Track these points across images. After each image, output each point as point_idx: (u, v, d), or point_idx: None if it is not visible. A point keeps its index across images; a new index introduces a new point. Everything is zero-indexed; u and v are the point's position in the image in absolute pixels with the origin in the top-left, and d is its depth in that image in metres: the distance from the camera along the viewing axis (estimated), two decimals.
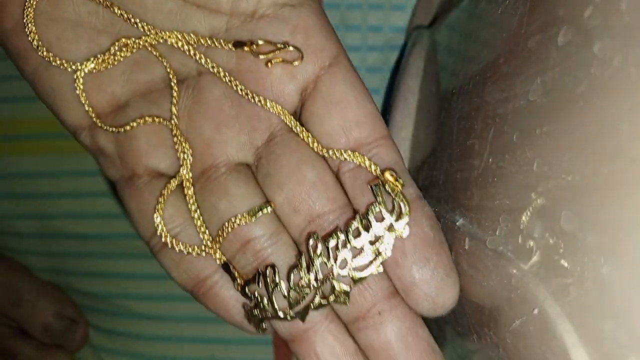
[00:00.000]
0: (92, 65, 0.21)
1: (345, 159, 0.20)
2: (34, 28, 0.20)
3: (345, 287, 0.19)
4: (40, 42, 0.20)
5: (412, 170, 0.26)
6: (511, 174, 0.16)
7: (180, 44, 0.20)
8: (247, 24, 0.20)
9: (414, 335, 0.19)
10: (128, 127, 0.21)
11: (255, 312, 0.20)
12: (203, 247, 0.21)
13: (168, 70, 0.21)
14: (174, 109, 0.21)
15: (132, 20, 0.20)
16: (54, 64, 0.21)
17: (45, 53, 0.20)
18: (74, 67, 0.21)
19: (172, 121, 0.21)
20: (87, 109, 0.21)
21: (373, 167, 0.19)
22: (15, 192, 0.36)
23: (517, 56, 0.17)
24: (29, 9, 0.20)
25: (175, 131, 0.21)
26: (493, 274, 0.17)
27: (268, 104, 0.20)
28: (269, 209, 0.20)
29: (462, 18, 0.23)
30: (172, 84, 0.21)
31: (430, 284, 0.19)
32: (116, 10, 0.20)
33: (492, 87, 0.18)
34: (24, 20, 0.20)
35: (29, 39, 0.20)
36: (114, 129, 0.21)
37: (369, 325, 0.19)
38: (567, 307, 0.14)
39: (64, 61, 0.21)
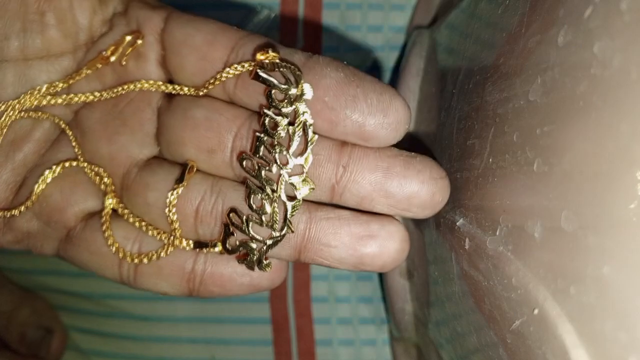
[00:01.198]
0: None
1: (220, 80, 0.20)
2: None
3: (301, 178, 0.19)
4: None
5: None
6: (511, 174, 0.16)
7: (44, 100, 0.21)
8: (91, 51, 0.21)
9: (385, 160, 0.19)
10: (35, 194, 0.21)
11: (250, 257, 0.20)
12: (169, 242, 0.21)
13: (56, 121, 0.21)
14: (75, 149, 0.22)
15: None
16: None
17: None
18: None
19: (79, 159, 0.22)
20: None
21: (245, 65, 0.19)
22: None
23: (517, 56, 0.17)
24: None
25: (86, 166, 0.22)
26: (493, 274, 0.17)
27: (138, 85, 0.21)
28: (189, 167, 0.20)
29: (462, 18, 0.23)
30: (66, 129, 0.22)
31: (372, 112, 0.18)
32: None
33: (492, 87, 0.18)
34: None
35: None
36: (26, 206, 0.21)
37: (346, 184, 0.19)
38: (567, 308, 0.14)
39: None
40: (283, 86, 0.18)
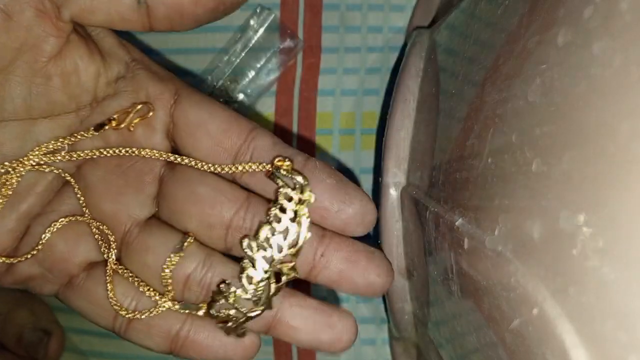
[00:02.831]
0: None
1: (233, 170, 0.23)
2: None
3: (290, 265, 0.22)
4: None
5: (411, 171, 0.26)
6: (510, 174, 0.16)
7: (45, 157, 0.22)
8: (96, 110, 0.22)
9: (354, 254, 0.23)
10: (41, 244, 0.23)
11: (230, 324, 0.23)
12: (160, 304, 0.23)
13: (61, 174, 0.23)
14: (80, 202, 0.23)
15: None
16: None
17: None
18: None
19: (85, 215, 0.23)
20: None
21: (259, 166, 0.22)
22: None
23: (516, 56, 0.17)
24: None
25: (89, 221, 0.23)
26: (492, 274, 0.17)
27: (145, 151, 0.23)
28: (189, 239, 0.23)
29: (462, 18, 0.23)
30: (71, 181, 0.23)
31: (355, 214, 0.22)
32: None
33: (492, 88, 0.18)
34: None
35: None
36: (31, 254, 0.23)
37: (321, 269, 0.23)
38: (567, 307, 0.14)
39: None
40: (292, 191, 0.22)
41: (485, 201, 0.17)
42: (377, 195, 0.28)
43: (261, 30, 0.33)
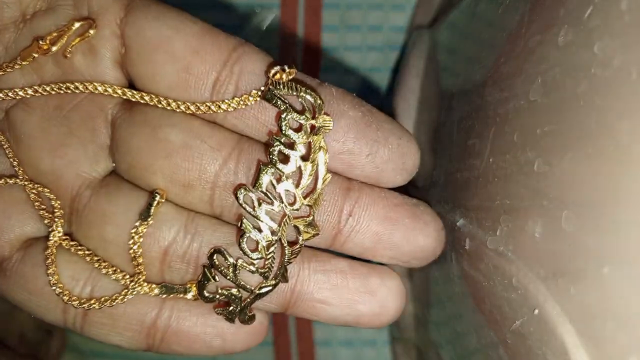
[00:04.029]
0: None
1: (213, 110, 0.16)
2: None
3: (307, 220, 0.17)
4: None
5: None
6: (512, 174, 0.16)
7: None
8: (22, 32, 0.17)
9: (393, 210, 0.18)
10: None
11: (232, 307, 0.17)
12: (129, 287, 0.17)
13: None
14: (11, 160, 0.17)
15: None
16: None
17: None
18: None
19: (18, 175, 0.17)
20: None
21: (249, 98, 0.16)
22: None
23: (517, 56, 0.17)
24: None
25: (24, 183, 0.17)
26: (493, 274, 0.17)
27: (93, 85, 0.17)
28: (158, 197, 0.17)
29: (463, 18, 0.23)
30: None
31: (392, 158, 0.17)
32: None
33: (493, 87, 0.18)
34: None
35: None
36: None
37: (350, 233, 0.18)
38: (568, 308, 0.14)
39: None
40: (301, 116, 0.16)
41: (487, 201, 0.17)
42: None
43: (261, 30, 0.33)
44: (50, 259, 0.17)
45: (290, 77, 0.16)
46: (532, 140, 0.15)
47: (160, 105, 0.17)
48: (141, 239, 0.17)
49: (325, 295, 0.18)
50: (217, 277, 0.17)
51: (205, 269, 0.17)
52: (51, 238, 0.17)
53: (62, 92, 0.17)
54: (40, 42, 0.16)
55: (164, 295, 0.17)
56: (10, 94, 0.17)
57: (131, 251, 0.17)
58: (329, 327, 0.35)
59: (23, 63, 0.17)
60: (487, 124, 0.18)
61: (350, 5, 0.33)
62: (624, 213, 0.12)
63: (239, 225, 0.17)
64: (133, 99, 0.17)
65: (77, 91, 0.17)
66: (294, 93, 0.16)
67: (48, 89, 0.17)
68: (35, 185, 0.17)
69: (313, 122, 0.16)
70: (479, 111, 0.19)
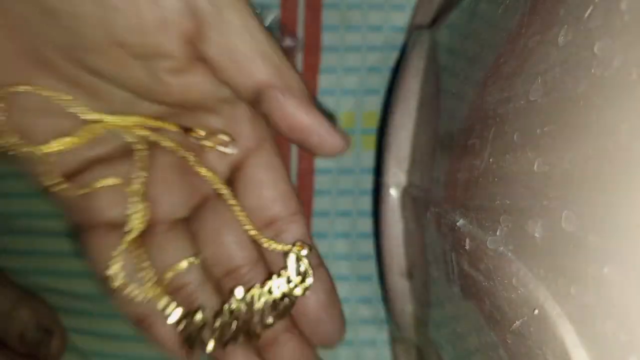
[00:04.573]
0: (55, 147, 0.23)
1: (261, 241, 0.25)
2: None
3: (258, 330, 0.24)
4: (11, 132, 0.23)
5: (411, 171, 0.26)
6: (512, 174, 0.16)
7: (140, 124, 0.24)
8: (191, 112, 0.24)
9: (302, 356, 0.25)
10: (87, 190, 0.24)
11: (188, 342, 0.25)
12: (148, 293, 0.25)
13: (134, 143, 0.24)
14: (135, 174, 0.24)
15: (89, 113, 0.23)
16: (24, 149, 0.23)
17: (16, 141, 0.23)
18: (40, 150, 0.23)
19: (134, 184, 0.24)
20: (50, 181, 0.24)
21: (279, 247, 0.25)
22: (6, 192, 0.35)
23: (517, 56, 0.17)
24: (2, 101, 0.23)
25: (133, 192, 0.24)
26: (493, 274, 0.17)
27: (204, 171, 0.25)
28: (196, 261, 0.25)
29: (463, 18, 0.23)
30: (138, 153, 0.24)
31: (323, 334, 0.26)
32: (78, 110, 0.23)
33: (493, 87, 0.18)
34: None
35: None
36: (77, 191, 0.24)
37: (271, 350, 0.25)
38: (568, 308, 0.14)
39: (32, 147, 0.23)
40: (295, 276, 0.24)
41: (487, 201, 0.17)
42: (377, 195, 0.28)
43: None
44: (120, 247, 0.24)
45: (300, 254, 0.24)
46: (532, 140, 0.15)
47: (236, 212, 0.25)
48: (172, 273, 0.25)
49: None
50: (191, 323, 0.24)
51: (189, 313, 0.24)
52: (129, 232, 0.24)
53: (190, 160, 0.25)
54: (199, 132, 0.24)
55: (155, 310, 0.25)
56: (164, 137, 0.24)
57: (166, 274, 0.25)
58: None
59: (181, 132, 0.24)
60: (487, 124, 0.18)
61: (351, 5, 0.33)
62: (625, 213, 0.12)
63: (222, 303, 0.25)
64: (223, 197, 0.25)
65: (195, 167, 0.25)
66: (300, 264, 0.24)
67: (183, 152, 0.25)
68: (139, 203, 0.25)
69: (299, 285, 0.24)
70: (478, 111, 0.19)
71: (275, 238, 0.25)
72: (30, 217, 0.36)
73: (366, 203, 0.35)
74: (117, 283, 0.24)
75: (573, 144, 0.14)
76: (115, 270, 0.24)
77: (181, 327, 0.24)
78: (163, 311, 0.25)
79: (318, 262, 0.25)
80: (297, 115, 0.22)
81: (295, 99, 0.22)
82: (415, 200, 0.24)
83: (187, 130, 0.24)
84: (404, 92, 0.27)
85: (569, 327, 0.14)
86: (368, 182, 0.35)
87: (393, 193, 0.26)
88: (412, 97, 0.26)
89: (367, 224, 0.35)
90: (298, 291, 0.24)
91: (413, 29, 0.30)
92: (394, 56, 0.34)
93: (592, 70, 0.13)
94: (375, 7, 0.33)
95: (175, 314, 0.24)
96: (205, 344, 0.24)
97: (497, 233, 0.17)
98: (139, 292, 0.24)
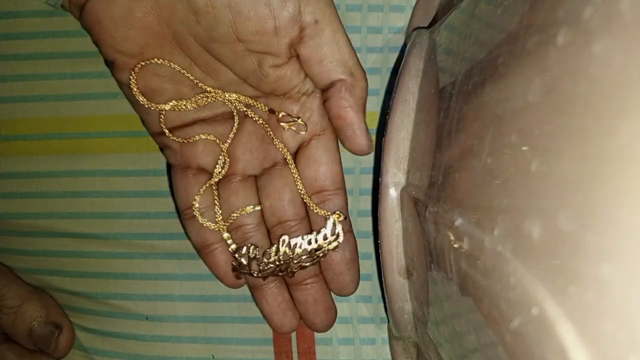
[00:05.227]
0: (172, 106, 0.31)
1: (311, 205, 0.31)
2: (136, 83, 0.30)
3: (294, 269, 0.31)
4: (139, 90, 0.30)
5: (411, 171, 0.26)
6: (510, 174, 0.16)
7: (238, 100, 0.31)
8: (278, 99, 0.31)
9: (322, 299, 0.32)
10: (191, 140, 0.31)
11: (238, 268, 0.31)
12: (216, 224, 0.32)
13: (234, 113, 0.32)
14: (230, 135, 0.31)
15: (204, 86, 0.31)
16: (146, 105, 0.30)
17: (141, 98, 0.30)
18: (159, 108, 0.30)
19: (226, 143, 0.32)
20: (164, 129, 0.31)
21: (322, 212, 0.31)
22: (11, 192, 0.36)
23: (516, 57, 0.17)
24: (139, 69, 0.30)
25: (223, 148, 0.32)
26: (492, 273, 0.17)
27: (279, 144, 0.32)
28: (258, 208, 0.32)
29: (462, 19, 0.23)
30: (235, 121, 0.32)
31: (342, 283, 0.32)
32: (198, 83, 0.31)
33: (491, 88, 0.18)
34: (134, 73, 0.30)
35: (133, 87, 0.30)
36: (182, 140, 0.31)
37: (298, 289, 0.32)
38: (567, 307, 0.14)
39: (152, 104, 0.30)
40: (330, 235, 0.31)
41: (485, 201, 0.17)
42: (376, 195, 0.28)
43: None
44: (204, 186, 0.32)
45: (339, 221, 0.31)
46: (531, 140, 0.15)
47: (295, 179, 0.32)
48: (238, 214, 0.32)
49: (267, 296, 0.33)
50: (244, 254, 0.32)
51: (245, 246, 0.32)
52: (213, 177, 0.32)
53: (268, 133, 0.32)
54: (281, 114, 0.31)
55: (222, 240, 0.33)
56: (252, 114, 0.32)
57: (232, 214, 0.32)
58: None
59: (266, 110, 0.32)
60: (486, 124, 0.18)
61: (350, 6, 0.33)
62: (623, 212, 0.12)
63: (270, 244, 0.33)
64: (288, 165, 0.32)
65: (271, 138, 0.32)
66: (336, 227, 0.31)
67: (266, 126, 0.32)
68: (225, 152, 0.32)
69: (330, 242, 0.31)
70: (477, 112, 0.19)
71: (320, 204, 0.31)
72: (37, 218, 0.36)
73: (366, 203, 0.35)
74: (196, 212, 0.31)
75: (572, 144, 0.14)
76: (197, 202, 0.31)
77: (236, 256, 0.31)
78: (223, 242, 0.32)
79: (349, 229, 0.32)
80: (347, 108, 0.29)
81: (352, 98, 0.29)
82: (415, 200, 0.24)
83: (273, 111, 0.31)
84: (404, 92, 0.27)
85: (567, 327, 0.14)
86: (368, 182, 0.35)
87: (392, 193, 0.26)
88: (411, 97, 0.26)
89: (367, 224, 0.35)
90: (331, 246, 0.31)
91: (412, 30, 0.30)
92: (393, 57, 0.34)
93: (592, 71, 0.13)
94: (375, 9, 0.33)
95: (232, 246, 0.31)
96: (251, 273, 0.31)
97: (496, 232, 0.17)
98: (210, 222, 0.31)
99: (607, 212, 0.13)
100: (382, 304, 0.35)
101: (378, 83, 0.34)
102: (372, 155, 0.34)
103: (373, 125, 0.34)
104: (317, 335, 0.35)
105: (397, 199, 0.26)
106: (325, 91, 0.30)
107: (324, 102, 0.30)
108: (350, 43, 0.29)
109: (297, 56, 0.29)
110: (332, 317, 0.33)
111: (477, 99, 0.19)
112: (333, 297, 0.33)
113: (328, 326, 0.33)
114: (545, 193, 0.15)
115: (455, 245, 0.19)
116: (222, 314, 0.35)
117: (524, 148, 0.16)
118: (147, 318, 0.36)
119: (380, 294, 0.35)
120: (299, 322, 0.33)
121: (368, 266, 0.35)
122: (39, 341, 0.34)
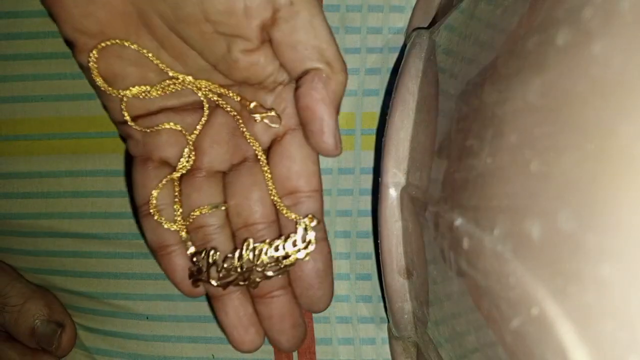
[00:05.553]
0: (135, 92, 0.28)
1: (281, 208, 0.28)
2: (96, 66, 0.27)
3: (258, 278, 0.28)
4: (99, 74, 0.28)
5: (410, 171, 0.26)
6: (510, 174, 0.16)
7: (208, 88, 0.29)
8: (251, 88, 0.28)
9: (289, 314, 0.29)
10: (155, 129, 0.28)
11: (196, 275, 0.28)
12: (174, 224, 0.29)
13: (204, 102, 0.29)
14: (198, 126, 0.29)
15: (172, 72, 0.28)
16: (107, 92, 0.28)
17: (100, 82, 0.28)
18: (120, 94, 0.28)
19: (193, 134, 0.29)
20: (126, 117, 0.28)
21: (293, 215, 0.28)
22: (12, 192, 0.36)
23: (515, 57, 0.17)
24: (98, 50, 0.27)
25: (189, 139, 0.29)
26: (491, 273, 0.17)
27: (249, 138, 0.29)
28: (222, 207, 0.29)
29: (461, 19, 0.23)
30: (205, 111, 0.29)
31: (312, 297, 0.29)
32: (165, 68, 0.28)
33: (491, 88, 0.18)
34: (92, 55, 0.27)
35: (92, 69, 0.27)
36: (145, 129, 0.29)
37: (262, 302, 0.29)
38: (567, 307, 0.14)
39: (112, 89, 0.28)
40: (301, 242, 0.28)
41: (485, 201, 0.18)
42: (376, 195, 0.28)
43: None
44: (164, 179, 0.29)
45: (310, 226, 0.28)
46: (530, 140, 0.15)
47: (266, 177, 0.29)
48: (199, 212, 0.29)
49: (228, 309, 0.30)
50: (203, 258, 0.28)
51: (204, 250, 0.28)
52: (176, 171, 0.29)
53: (239, 124, 0.29)
54: (251, 104, 0.28)
55: (180, 242, 0.30)
56: (224, 99, 0.29)
57: (192, 212, 0.29)
58: (329, 325, 0.35)
59: (238, 99, 0.29)
60: (485, 124, 0.18)
61: (350, 7, 0.33)
62: (623, 212, 0.12)
63: (233, 248, 0.29)
64: (258, 161, 0.29)
65: (242, 131, 0.29)
66: (307, 233, 0.28)
67: (236, 116, 0.29)
68: (191, 143, 0.29)
69: (302, 250, 0.28)
70: (477, 112, 0.19)
71: (292, 207, 0.28)
72: (37, 218, 0.36)
73: (366, 203, 0.35)
74: (152, 209, 0.28)
75: (571, 144, 0.14)
76: (155, 197, 0.28)
77: (195, 259, 0.28)
78: (182, 244, 0.29)
79: (323, 237, 0.29)
80: (317, 101, 0.26)
81: (325, 91, 0.26)
82: (414, 200, 0.24)
83: (244, 100, 0.28)
84: (403, 93, 0.27)
85: (567, 327, 0.14)
86: (368, 182, 0.35)
87: (392, 193, 0.26)
88: (411, 98, 0.26)
89: (367, 224, 0.35)
90: (300, 255, 0.28)
91: (412, 30, 0.30)
92: (393, 57, 0.34)
93: (591, 71, 0.13)
94: (374, 9, 0.33)
95: (191, 248, 0.28)
96: (209, 281, 0.28)
97: (495, 232, 0.17)
98: (167, 221, 0.28)
99: (607, 212, 0.13)
100: (382, 304, 0.35)
101: (378, 83, 0.34)
102: (372, 155, 0.34)
103: (373, 125, 0.34)
104: (317, 335, 0.35)
105: (397, 199, 0.26)
106: (298, 80, 0.27)
107: (295, 90, 0.27)
108: (331, 31, 0.27)
109: (270, 41, 0.27)
110: (299, 334, 0.30)
111: (477, 99, 0.19)
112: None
113: (295, 345, 0.30)
114: (545, 193, 0.15)
115: (455, 246, 0.19)
116: None
117: (523, 148, 0.16)
118: (147, 318, 0.36)
119: (380, 294, 0.35)
120: (263, 339, 0.30)
121: (368, 266, 0.35)
122: (41, 339, 0.34)
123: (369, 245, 0.35)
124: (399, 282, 0.27)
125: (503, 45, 0.18)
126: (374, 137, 0.34)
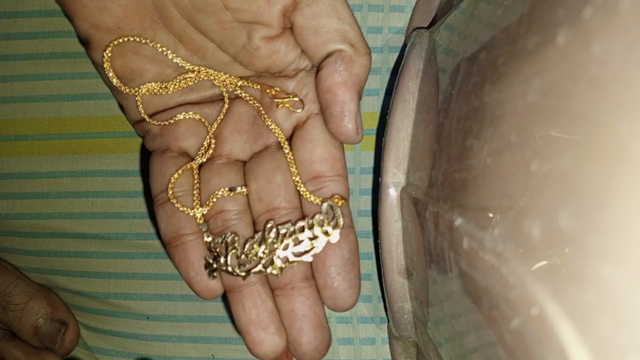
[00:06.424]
0: (151, 88, 0.28)
1: (305, 193, 0.27)
2: (110, 66, 0.27)
3: (281, 264, 0.26)
4: (114, 73, 0.28)
5: (410, 171, 0.26)
6: (509, 174, 0.16)
7: (228, 80, 0.28)
8: (272, 78, 0.28)
9: (312, 311, 0.27)
10: (173, 120, 0.28)
11: (213, 263, 0.26)
12: (191, 211, 0.27)
13: (223, 92, 0.29)
14: (220, 116, 0.29)
15: (189, 65, 0.28)
16: (122, 89, 0.28)
17: (115, 81, 0.28)
18: (132, 91, 0.28)
19: (213, 123, 0.28)
20: (141, 113, 0.28)
21: (317, 200, 0.27)
22: (13, 193, 0.36)
23: (515, 57, 0.17)
24: (113, 46, 0.27)
25: (209, 129, 0.28)
26: (491, 273, 0.17)
27: (272, 125, 0.28)
28: (244, 189, 0.28)
29: (462, 19, 0.23)
30: (225, 101, 0.29)
31: (336, 289, 0.27)
32: (183, 62, 0.28)
33: (491, 88, 0.18)
34: (107, 52, 0.27)
35: (106, 67, 0.27)
36: (161, 123, 0.28)
37: (283, 294, 0.27)
38: (567, 307, 0.14)
39: (127, 88, 0.28)
40: (328, 225, 0.26)
41: (485, 201, 0.18)
42: (376, 195, 0.28)
43: None
44: (183, 168, 0.28)
45: (343, 203, 0.27)
46: (530, 140, 0.15)
47: (289, 163, 0.28)
48: (218, 196, 0.28)
49: (245, 303, 0.27)
50: (222, 244, 0.27)
51: (222, 236, 0.27)
52: (195, 160, 0.29)
53: (260, 113, 0.29)
54: (272, 90, 0.28)
55: (198, 231, 0.28)
56: (245, 90, 0.29)
57: (210, 196, 0.28)
58: (329, 325, 0.35)
59: (259, 88, 0.28)
60: (485, 124, 0.18)
61: (350, 6, 0.33)
62: (622, 212, 0.12)
63: (253, 234, 0.28)
64: (281, 148, 0.28)
65: (264, 119, 0.29)
66: (334, 213, 0.26)
67: (257, 104, 0.29)
68: (211, 134, 0.29)
69: (329, 231, 0.26)
70: (477, 112, 0.19)
71: (316, 192, 0.27)
72: (38, 218, 0.36)
73: (366, 203, 0.35)
74: (170, 195, 0.27)
75: (571, 144, 0.14)
76: (173, 183, 0.28)
77: (212, 246, 0.27)
78: (198, 233, 0.27)
79: (349, 224, 0.27)
80: (339, 83, 0.25)
81: (348, 73, 0.25)
82: (414, 200, 0.24)
83: (265, 87, 0.28)
84: (404, 92, 0.27)
85: (567, 326, 0.14)
86: (368, 182, 0.35)
87: (392, 193, 0.26)
88: (411, 97, 0.26)
89: (367, 223, 0.35)
90: (327, 234, 0.26)
91: (412, 30, 0.30)
92: (393, 57, 0.34)
93: (592, 71, 0.13)
94: (375, 9, 0.33)
95: (208, 238, 0.27)
96: (228, 269, 0.26)
97: (495, 232, 0.17)
98: (185, 207, 0.27)
99: (607, 212, 0.13)
100: (382, 304, 0.35)
101: (378, 83, 0.34)
102: (372, 155, 0.34)
103: (373, 125, 0.34)
104: None
105: (397, 199, 0.26)
106: (320, 64, 0.26)
107: (316, 74, 0.26)
108: (353, 15, 0.26)
109: (292, 27, 0.26)
110: (323, 337, 0.27)
111: (477, 99, 0.19)
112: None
113: (317, 350, 0.27)
114: (545, 193, 0.15)
115: (455, 245, 0.19)
116: (223, 313, 0.35)
117: (523, 148, 0.16)
118: (148, 317, 0.36)
119: (380, 293, 0.35)
120: (284, 342, 0.27)
121: (368, 266, 0.35)
122: (45, 338, 0.34)
123: (369, 245, 0.35)
124: (399, 282, 0.27)
125: (503, 45, 0.18)
126: (374, 137, 0.34)
